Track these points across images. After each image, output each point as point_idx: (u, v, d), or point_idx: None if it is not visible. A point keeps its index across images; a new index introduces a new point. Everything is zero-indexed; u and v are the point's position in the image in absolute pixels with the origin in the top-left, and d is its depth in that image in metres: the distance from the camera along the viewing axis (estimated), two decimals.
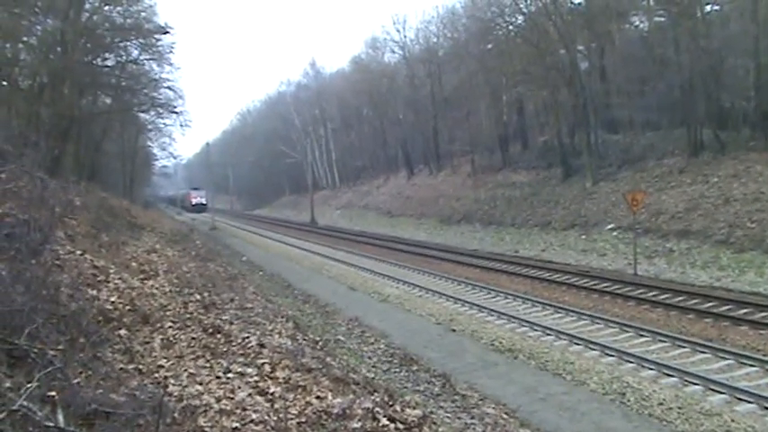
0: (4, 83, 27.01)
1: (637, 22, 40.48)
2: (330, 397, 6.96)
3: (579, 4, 38.68)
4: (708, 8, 32.94)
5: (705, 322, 15.88)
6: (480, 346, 14.76)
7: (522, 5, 39.51)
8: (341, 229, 52.80)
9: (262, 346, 8.95)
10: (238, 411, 6.04)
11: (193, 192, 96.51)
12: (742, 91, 30.50)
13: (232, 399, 6.38)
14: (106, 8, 33.36)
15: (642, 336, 14.83)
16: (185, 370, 7.10)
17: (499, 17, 40.86)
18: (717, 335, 14.77)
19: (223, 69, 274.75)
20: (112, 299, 9.14)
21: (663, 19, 35.91)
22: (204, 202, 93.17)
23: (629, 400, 10.62)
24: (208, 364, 7.50)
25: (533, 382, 11.91)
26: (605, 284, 21.04)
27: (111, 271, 11.14)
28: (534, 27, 37.82)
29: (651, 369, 12.37)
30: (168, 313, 9.64)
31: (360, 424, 6.29)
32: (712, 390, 11.07)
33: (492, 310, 18.31)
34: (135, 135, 50.01)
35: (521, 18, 40.22)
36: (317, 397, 6.92)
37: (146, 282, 11.96)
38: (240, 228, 61.56)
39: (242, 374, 7.33)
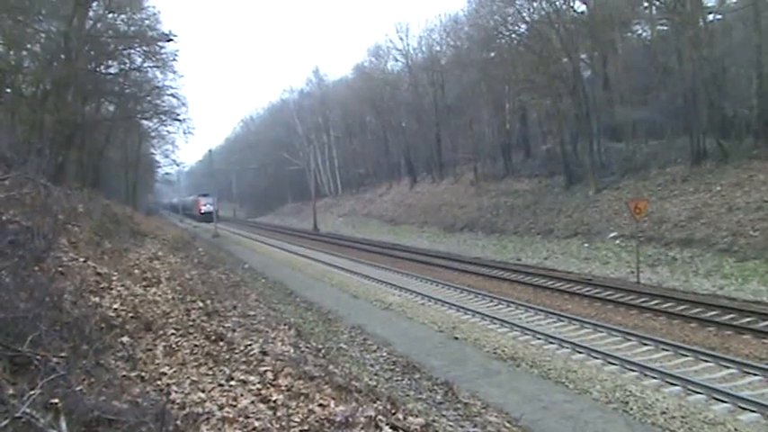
0: (8, 90, 27.11)
1: (639, 31, 40.58)
2: (333, 405, 6.94)
3: (582, 12, 38.77)
4: (710, 17, 32.96)
5: (708, 331, 15.87)
6: (483, 354, 14.74)
7: (524, 14, 39.63)
8: (343, 237, 52.83)
9: (264, 353, 8.94)
10: (241, 419, 6.02)
11: (202, 198, 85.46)
12: (744, 99, 30.51)
13: (235, 406, 6.37)
14: (110, 16, 33.56)
15: (645, 344, 14.82)
16: (188, 377, 7.09)
17: (502, 25, 40.88)
18: (720, 344, 14.75)
19: (226, 77, 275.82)
20: (115, 306, 9.13)
21: (665, 28, 35.96)
22: (213, 210, 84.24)
23: (632, 409, 10.60)
24: (210, 372, 7.49)
25: (536, 391, 11.88)
26: (608, 293, 21.04)
27: (114, 278, 11.14)
28: (537, 35, 37.92)
29: (654, 378, 12.36)
30: (171, 320, 9.64)
31: None
32: (715, 399, 11.05)
33: (494, 318, 18.30)
34: (138, 142, 50.17)
35: (523, 26, 40.32)
36: (320, 405, 6.89)
37: (148, 289, 11.96)
38: (243, 235, 61.62)
39: (244, 382, 7.31)
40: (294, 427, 6.14)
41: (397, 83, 64.90)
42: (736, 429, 9.59)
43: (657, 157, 32.77)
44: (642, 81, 36.56)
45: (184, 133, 56.08)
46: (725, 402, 10.85)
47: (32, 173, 12.41)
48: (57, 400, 4.73)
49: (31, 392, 4.67)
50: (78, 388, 5.35)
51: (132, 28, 35.16)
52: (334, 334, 16.52)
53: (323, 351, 12.42)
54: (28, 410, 4.39)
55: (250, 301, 17.18)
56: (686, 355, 13.74)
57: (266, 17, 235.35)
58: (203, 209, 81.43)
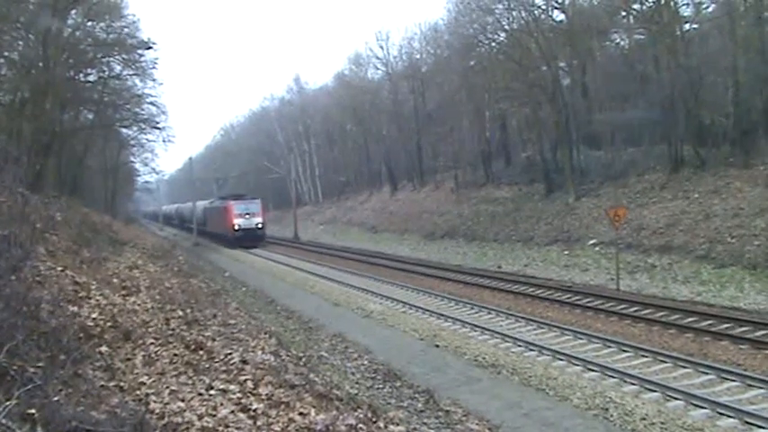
0: None
1: (617, 40, 40.97)
2: (313, 413, 6.92)
3: (560, 21, 39.10)
4: (687, 26, 33.43)
5: (686, 337, 15.99)
6: (464, 361, 14.76)
7: (504, 22, 39.85)
8: (324, 245, 52.66)
9: (244, 362, 8.90)
10: (221, 428, 5.99)
11: (238, 204, 52.43)
12: (721, 108, 30.89)
13: (214, 416, 6.33)
14: (89, 24, 33.37)
15: (624, 351, 14.91)
16: (167, 387, 7.03)
17: (481, 34, 41.06)
18: (698, 350, 14.87)
19: (206, 84, 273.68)
20: (93, 315, 9.04)
21: (643, 37, 36.36)
22: (261, 226, 51.76)
23: (612, 416, 10.65)
24: (190, 381, 7.44)
25: (516, 398, 11.92)
26: (588, 300, 21.16)
27: (93, 287, 11.03)
28: (516, 44, 38.19)
29: (633, 384, 12.43)
30: (150, 330, 9.56)
31: None
32: (694, 405, 11.12)
33: (475, 325, 18.33)
34: (117, 150, 49.69)
35: (503, 35, 40.52)
36: (300, 413, 6.87)
37: (127, 298, 11.85)
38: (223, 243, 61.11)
39: (224, 391, 7.28)
40: None
41: (377, 91, 64.87)
42: None
43: (636, 165, 33.05)
44: (620, 89, 36.91)
45: (164, 141, 54.97)
46: (703, 408, 10.92)
47: (9, 181, 12.27)
48: (34, 411, 4.68)
49: (8, 403, 4.62)
50: (56, 398, 5.30)
51: (111, 36, 34.99)
52: (315, 342, 16.48)
53: (303, 359, 12.39)
54: (4, 421, 4.34)
55: (230, 310, 17.08)
56: (665, 362, 13.83)
57: (246, 25, 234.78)
58: (241, 223, 50.00)
